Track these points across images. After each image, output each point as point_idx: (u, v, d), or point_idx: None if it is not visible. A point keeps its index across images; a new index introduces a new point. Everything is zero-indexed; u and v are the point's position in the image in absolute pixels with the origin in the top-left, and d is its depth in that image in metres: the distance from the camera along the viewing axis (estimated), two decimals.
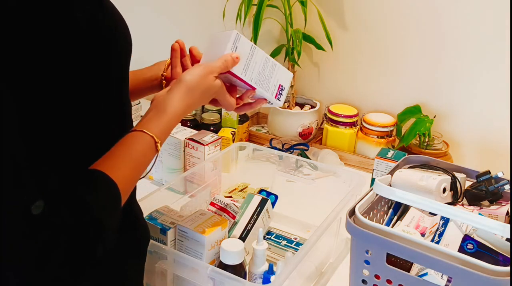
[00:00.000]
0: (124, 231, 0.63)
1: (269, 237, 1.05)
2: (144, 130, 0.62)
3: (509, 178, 0.90)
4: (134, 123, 0.68)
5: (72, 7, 0.52)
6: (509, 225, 0.70)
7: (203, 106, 1.54)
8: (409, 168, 0.97)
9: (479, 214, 0.84)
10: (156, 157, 0.64)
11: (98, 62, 0.56)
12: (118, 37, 0.61)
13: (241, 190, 1.19)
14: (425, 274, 0.74)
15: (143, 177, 0.69)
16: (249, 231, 0.95)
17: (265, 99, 0.79)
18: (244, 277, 0.81)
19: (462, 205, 0.91)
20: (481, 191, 0.89)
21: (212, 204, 0.97)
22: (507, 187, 0.89)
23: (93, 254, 0.52)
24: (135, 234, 0.72)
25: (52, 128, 0.52)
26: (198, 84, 0.69)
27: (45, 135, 0.52)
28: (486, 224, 0.71)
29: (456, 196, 0.91)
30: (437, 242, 0.80)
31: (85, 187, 0.54)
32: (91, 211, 0.52)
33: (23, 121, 0.48)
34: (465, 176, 0.95)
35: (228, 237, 0.90)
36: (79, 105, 0.55)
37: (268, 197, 1.03)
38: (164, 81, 0.81)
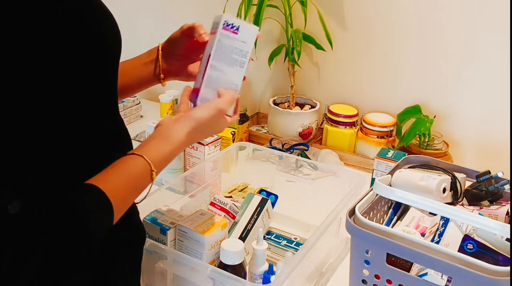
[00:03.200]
0: (119, 230, 0.63)
1: (269, 237, 1.05)
2: (143, 156, 0.62)
3: (509, 178, 0.90)
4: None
5: (56, 4, 0.51)
6: (509, 225, 0.69)
7: None
8: (409, 168, 0.97)
9: (479, 214, 0.84)
10: (151, 185, 0.64)
11: (85, 60, 0.56)
12: (106, 34, 0.60)
13: (241, 190, 1.19)
14: (425, 274, 0.74)
15: (138, 203, 0.69)
16: (249, 231, 0.95)
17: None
18: (244, 277, 0.81)
19: (462, 205, 0.91)
20: (481, 191, 0.89)
21: (212, 204, 0.97)
22: (507, 187, 0.89)
23: (74, 257, 0.52)
24: (130, 233, 0.71)
25: (36, 127, 0.52)
26: (207, 124, 0.70)
27: (29, 134, 0.51)
28: (486, 224, 0.71)
29: (456, 196, 0.91)
30: (437, 242, 0.80)
31: (73, 191, 0.54)
32: (76, 213, 0.52)
33: (3, 120, 0.47)
34: (465, 176, 0.95)
35: (228, 237, 0.90)
36: (64, 102, 0.55)
37: (268, 197, 1.03)
38: (162, 75, 0.80)
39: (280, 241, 1.04)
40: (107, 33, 0.60)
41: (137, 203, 0.70)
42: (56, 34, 0.51)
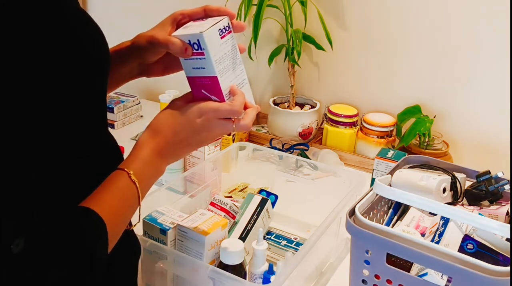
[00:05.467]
0: (115, 248, 0.61)
1: (269, 237, 1.05)
2: (124, 168, 0.61)
3: (509, 178, 0.90)
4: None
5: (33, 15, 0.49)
6: (509, 225, 0.69)
7: None
8: (409, 168, 0.97)
9: (479, 214, 0.84)
10: (139, 196, 0.61)
11: (67, 72, 0.53)
12: (87, 43, 0.56)
13: (241, 190, 1.19)
14: (425, 274, 0.74)
15: (136, 224, 0.67)
16: (249, 231, 0.96)
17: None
18: (244, 277, 0.81)
19: (462, 205, 0.91)
20: (481, 191, 0.89)
21: (212, 204, 0.97)
22: (507, 187, 0.89)
23: (74, 274, 0.51)
24: (126, 249, 0.70)
25: (27, 147, 0.49)
26: (187, 127, 0.64)
27: (20, 156, 0.49)
28: (486, 224, 0.71)
29: (456, 196, 0.91)
30: (437, 242, 0.80)
31: (73, 219, 0.53)
32: (79, 246, 0.51)
33: None
34: (465, 176, 0.95)
35: (228, 237, 0.90)
36: (52, 117, 0.52)
37: (268, 197, 1.03)
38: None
39: (280, 241, 1.04)
40: (89, 42, 0.57)
41: (132, 227, 0.68)
42: (36, 46, 0.49)
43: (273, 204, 1.07)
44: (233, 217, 0.97)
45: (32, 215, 0.48)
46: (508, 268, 0.65)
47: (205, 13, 0.68)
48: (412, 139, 1.36)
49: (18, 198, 0.47)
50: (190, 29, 0.66)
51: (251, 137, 1.58)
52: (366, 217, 0.77)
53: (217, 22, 0.66)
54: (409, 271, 0.77)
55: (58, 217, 0.51)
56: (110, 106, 1.60)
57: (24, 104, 0.48)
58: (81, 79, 0.55)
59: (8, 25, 0.46)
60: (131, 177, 0.60)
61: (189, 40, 0.64)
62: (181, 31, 0.67)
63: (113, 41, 0.74)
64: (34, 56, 0.48)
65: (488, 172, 0.91)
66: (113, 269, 0.64)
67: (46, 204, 0.52)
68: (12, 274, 0.45)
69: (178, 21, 0.69)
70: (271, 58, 1.54)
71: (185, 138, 0.65)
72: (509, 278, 0.64)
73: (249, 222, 0.96)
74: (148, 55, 0.70)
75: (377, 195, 0.86)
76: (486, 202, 0.91)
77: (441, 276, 0.73)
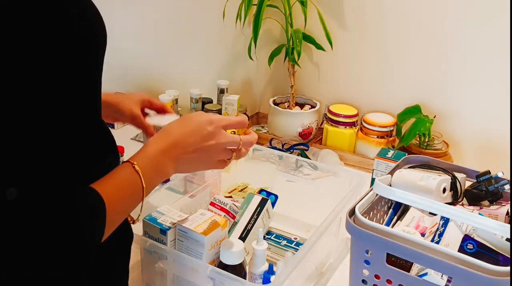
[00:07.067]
0: (110, 237, 0.62)
1: (269, 237, 1.05)
2: (131, 161, 0.63)
3: (509, 178, 0.90)
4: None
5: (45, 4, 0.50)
6: (509, 225, 0.69)
7: (202, 107, 1.54)
8: (409, 168, 0.97)
9: (479, 214, 0.84)
10: (143, 187, 0.62)
11: (71, 57, 0.54)
12: (96, 35, 0.58)
13: (241, 190, 1.19)
14: (425, 274, 0.74)
15: (139, 217, 0.67)
16: (249, 231, 0.95)
17: None
18: (244, 277, 0.81)
19: (462, 205, 0.91)
20: (481, 191, 0.89)
21: (212, 204, 0.97)
22: (507, 187, 0.89)
23: (68, 250, 0.51)
24: (119, 238, 0.70)
25: (22, 130, 0.50)
26: (194, 133, 0.68)
27: (15, 137, 0.50)
28: (486, 224, 0.71)
29: (456, 196, 0.91)
30: (437, 242, 0.80)
31: (68, 191, 0.53)
32: (74, 210, 0.52)
33: None
34: (465, 176, 0.95)
35: (228, 237, 0.89)
36: (51, 104, 0.53)
37: (268, 197, 1.03)
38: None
39: (280, 241, 1.04)
40: (97, 34, 0.58)
41: (136, 222, 0.69)
42: (43, 35, 0.49)
43: (273, 204, 1.07)
44: (233, 217, 0.96)
45: (29, 172, 0.50)
46: (508, 268, 0.65)
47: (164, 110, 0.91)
48: (412, 139, 1.36)
49: (14, 155, 0.49)
50: (162, 120, 0.88)
51: None
52: (366, 217, 0.77)
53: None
54: (409, 271, 0.77)
55: (55, 189, 0.52)
56: None
57: (19, 93, 0.49)
58: (80, 68, 0.55)
59: (6, 12, 0.47)
60: (135, 167, 0.61)
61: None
62: (156, 120, 0.90)
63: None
64: (32, 47, 0.49)
65: (488, 172, 0.91)
66: (104, 254, 0.65)
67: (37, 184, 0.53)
68: (2, 220, 0.46)
69: (144, 104, 0.91)
70: (271, 58, 1.54)
71: (193, 143, 0.68)
72: (509, 278, 0.64)
73: (249, 222, 0.96)
74: (116, 116, 0.90)
75: (377, 195, 0.86)
76: (486, 202, 0.91)
77: (441, 276, 0.73)
